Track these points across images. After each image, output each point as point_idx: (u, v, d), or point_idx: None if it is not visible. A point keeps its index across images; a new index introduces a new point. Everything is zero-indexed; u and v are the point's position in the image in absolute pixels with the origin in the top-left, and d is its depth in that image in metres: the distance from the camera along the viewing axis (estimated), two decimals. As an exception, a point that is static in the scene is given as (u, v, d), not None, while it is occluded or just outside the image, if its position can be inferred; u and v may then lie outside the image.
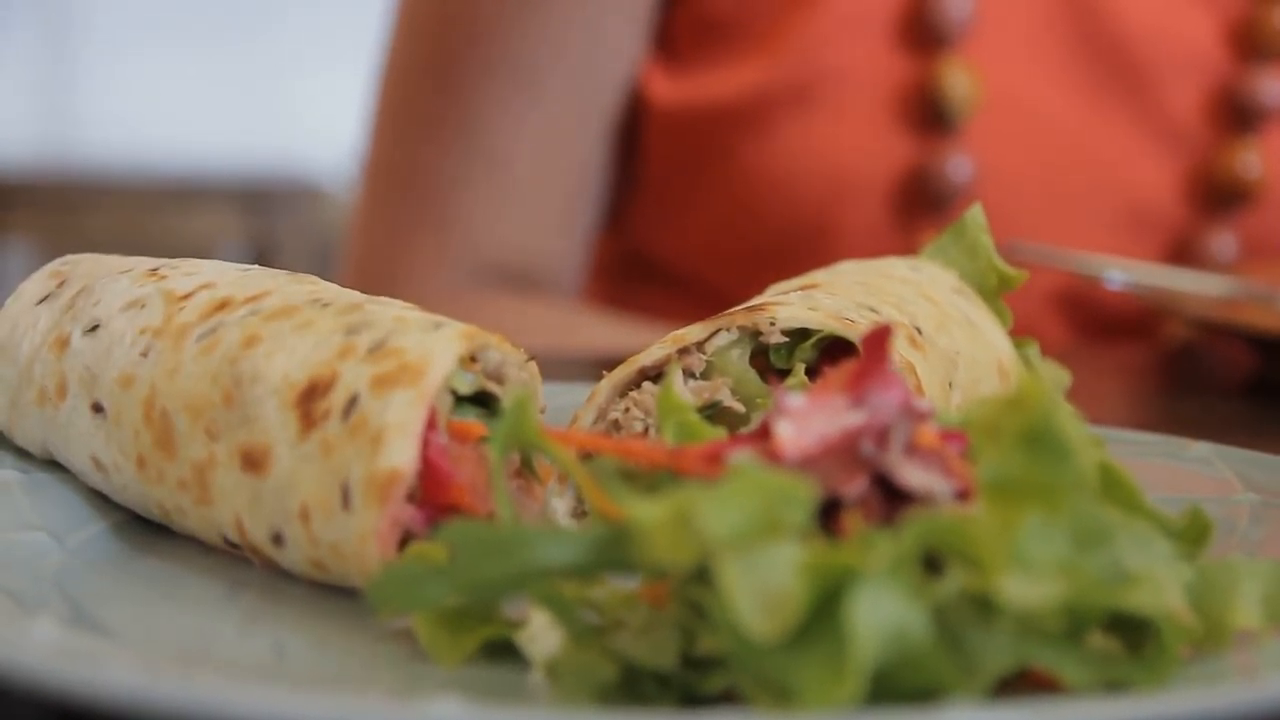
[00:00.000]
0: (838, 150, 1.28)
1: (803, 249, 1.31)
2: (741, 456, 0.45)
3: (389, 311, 0.55)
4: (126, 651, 0.48)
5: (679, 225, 1.35)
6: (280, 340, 0.55)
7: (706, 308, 1.34)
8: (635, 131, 1.36)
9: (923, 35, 1.28)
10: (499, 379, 0.55)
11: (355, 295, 0.58)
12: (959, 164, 1.28)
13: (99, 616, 0.52)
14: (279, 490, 0.53)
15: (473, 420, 0.55)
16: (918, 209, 1.29)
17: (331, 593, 0.55)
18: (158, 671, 0.45)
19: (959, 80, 1.27)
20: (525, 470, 0.58)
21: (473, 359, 0.55)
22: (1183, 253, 1.31)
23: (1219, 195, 1.31)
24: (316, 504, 0.52)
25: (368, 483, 0.51)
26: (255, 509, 0.54)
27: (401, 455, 0.51)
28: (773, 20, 1.29)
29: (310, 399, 0.53)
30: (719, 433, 0.53)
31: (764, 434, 0.48)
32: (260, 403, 0.54)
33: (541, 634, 0.48)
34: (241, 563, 0.57)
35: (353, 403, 0.52)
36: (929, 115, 1.28)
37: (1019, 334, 0.80)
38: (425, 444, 0.52)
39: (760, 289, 1.35)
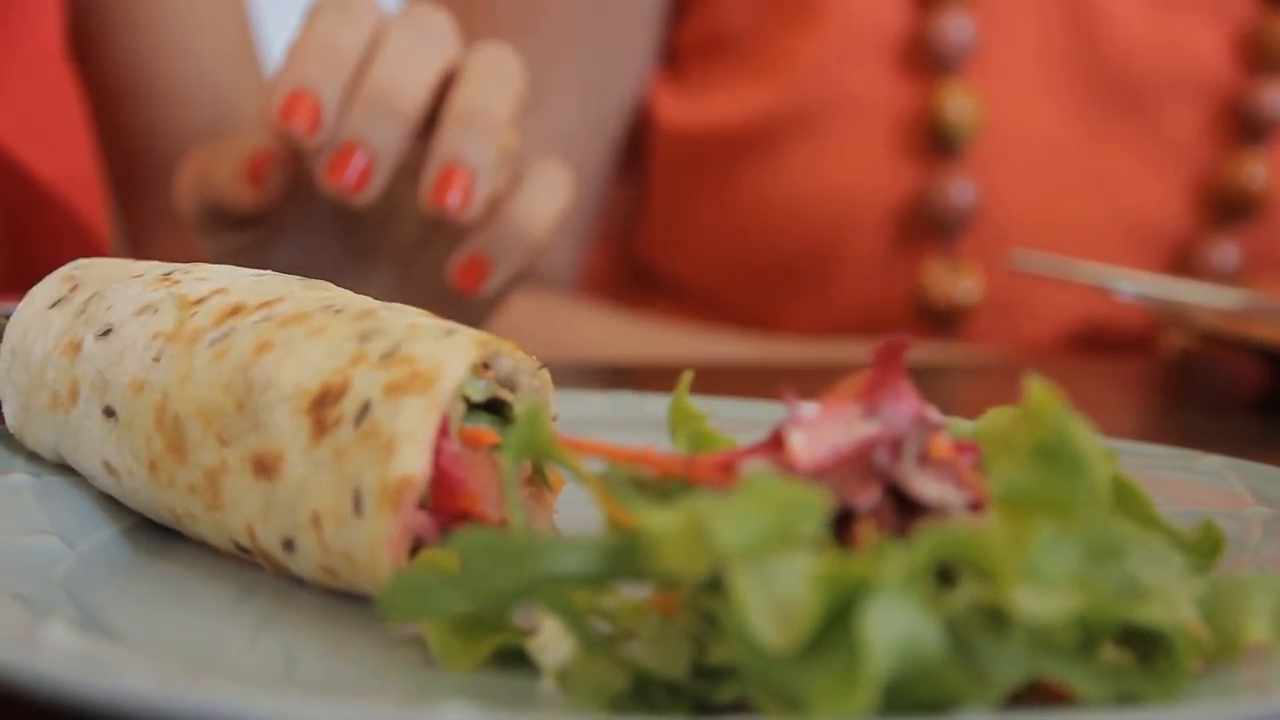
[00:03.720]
0: (841, 175, 1.29)
1: (807, 271, 1.31)
2: (755, 466, 0.45)
3: (402, 319, 0.55)
4: (136, 657, 0.48)
5: (685, 242, 1.35)
6: (292, 346, 0.55)
7: (712, 320, 1.35)
8: (642, 147, 1.36)
9: (925, 60, 1.28)
10: (511, 386, 0.55)
11: (368, 302, 0.58)
12: (962, 189, 1.28)
13: (109, 621, 0.52)
14: (290, 497, 0.53)
15: (484, 428, 0.55)
16: (921, 234, 1.29)
17: (343, 599, 0.55)
18: (168, 677, 0.44)
19: (962, 105, 1.27)
20: (537, 478, 0.58)
21: (485, 366, 0.55)
22: (1186, 266, 1.31)
23: (1225, 207, 1.31)
24: (328, 511, 0.52)
25: (380, 490, 0.51)
26: (266, 515, 0.54)
27: (413, 462, 0.51)
28: (776, 43, 1.30)
29: (322, 406, 0.53)
30: (731, 442, 0.53)
31: (776, 444, 0.48)
32: (272, 409, 0.54)
33: (552, 642, 0.48)
34: (252, 569, 0.57)
35: (365, 410, 0.52)
36: (932, 140, 1.28)
37: (1029, 358, 0.78)
38: (437, 451, 0.52)
39: (769, 306, 1.35)
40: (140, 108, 1.19)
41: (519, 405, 0.55)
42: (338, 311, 0.56)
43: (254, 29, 1.24)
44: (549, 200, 0.89)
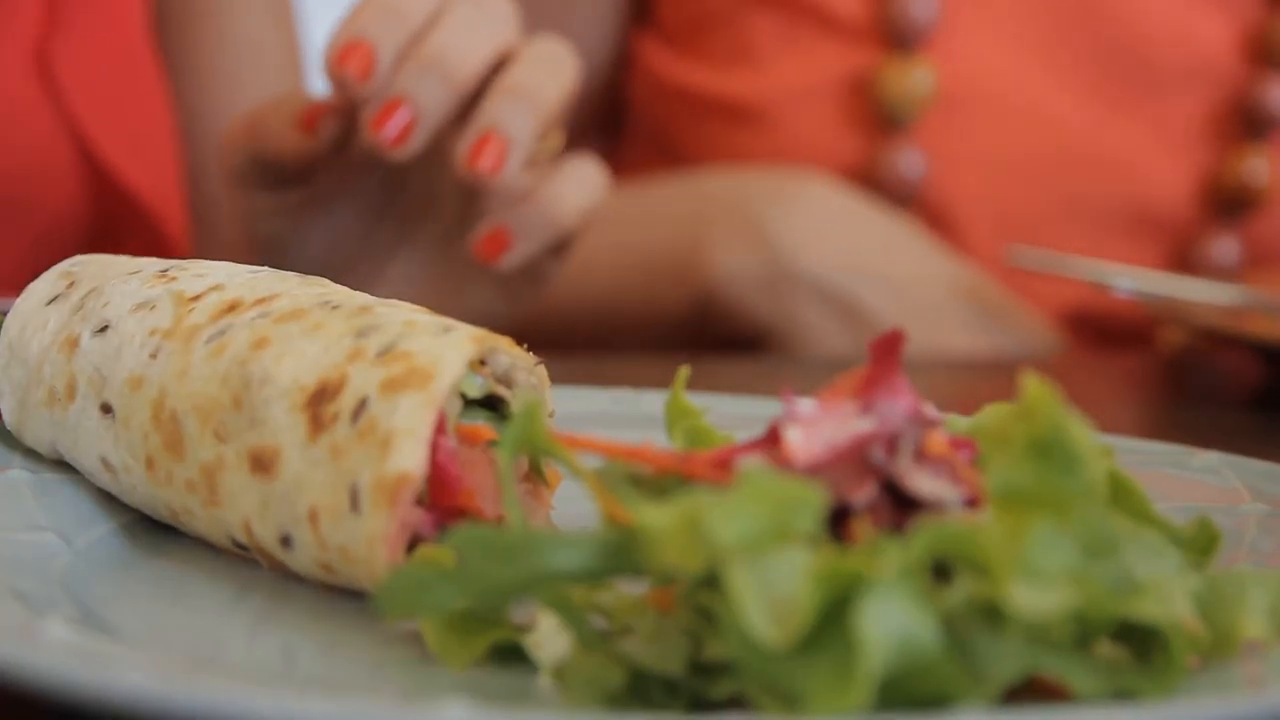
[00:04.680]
0: (793, 147, 1.29)
1: None
2: (751, 463, 0.45)
3: (398, 315, 0.55)
4: (135, 653, 0.48)
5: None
6: (290, 343, 0.55)
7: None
8: (624, 91, 1.37)
9: (890, 34, 1.28)
10: (508, 383, 0.55)
11: (364, 298, 0.58)
12: (910, 161, 1.27)
13: (107, 618, 0.52)
14: (288, 493, 0.53)
15: (481, 424, 0.55)
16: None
17: (340, 596, 0.55)
18: (166, 674, 0.45)
19: (915, 78, 1.27)
20: (533, 474, 0.58)
21: (482, 362, 0.55)
22: (1185, 258, 1.31)
23: (1225, 201, 1.31)
24: (325, 507, 0.52)
25: (376, 486, 0.51)
26: (264, 511, 0.54)
27: (410, 459, 0.51)
28: (745, 24, 1.30)
29: (319, 402, 0.53)
30: (727, 438, 0.53)
31: (773, 440, 0.48)
32: (269, 405, 0.54)
33: (549, 638, 0.48)
34: (250, 565, 0.57)
35: (362, 406, 0.52)
36: (880, 114, 1.28)
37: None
38: (434, 448, 0.52)
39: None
40: (188, 97, 1.20)
41: (516, 402, 0.55)
42: (334, 308, 0.56)
43: (297, 28, 1.25)
44: (580, 192, 0.92)
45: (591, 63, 1.35)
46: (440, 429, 0.53)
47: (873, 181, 1.27)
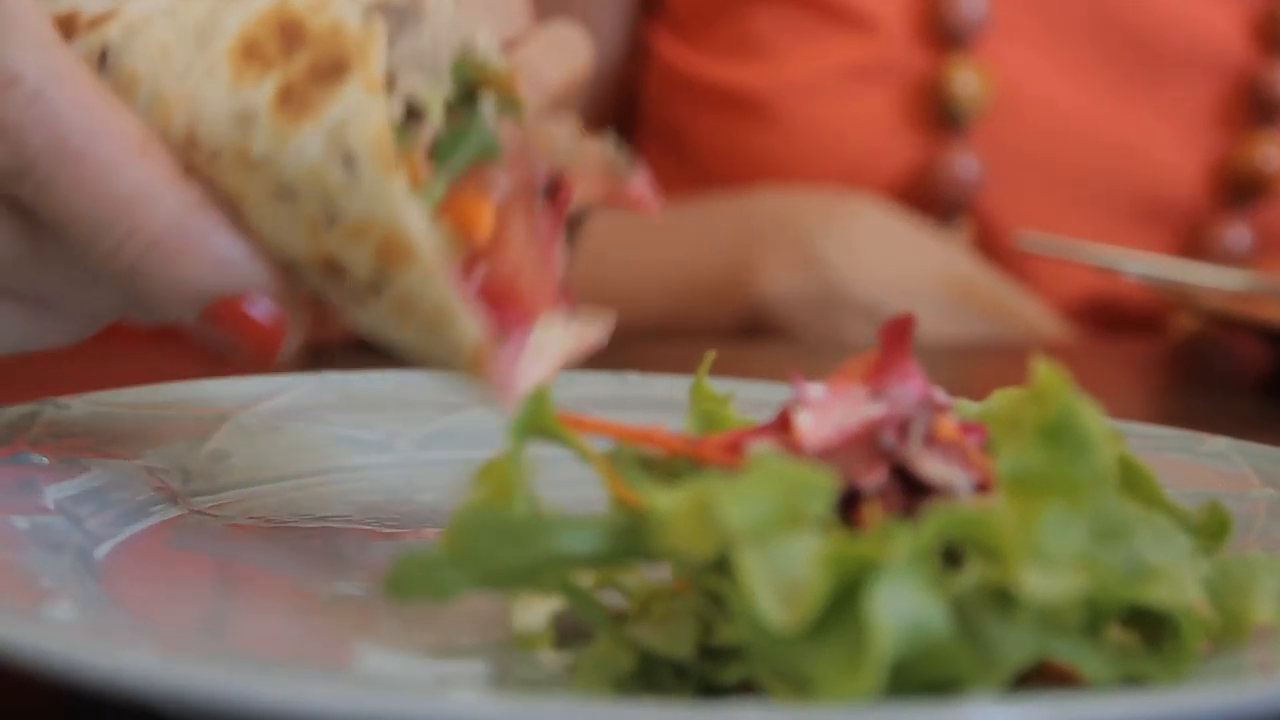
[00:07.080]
0: (851, 142, 1.29)
1: None
2: (761, 447, 0.45)
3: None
4: (144, 636, 0.48)
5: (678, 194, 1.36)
6: None
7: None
8: (639, 87, 1.37)
9: (935, 34, 1.28)
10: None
11: None
12: (966, 164, 1.28)
13: (117, 600, 0.52)
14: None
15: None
16: (926, 206, 1.29)
17: (350, 585, 0.55)
18: (175, 656, 0.45)
19: (969, 79, 1.27)
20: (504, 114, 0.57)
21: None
22: (1197, 245, 1.31)
23: (1236, 187, 1.31)
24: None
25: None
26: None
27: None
28: (743, 14, 1.30)
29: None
30: (743, 422, 0.53)
31: (783, 424, 0.48)
32: None
33: (531, 606, 0.48)
34: (261, 548, 0.57)
35: None
36: (939, 114, 1.28)
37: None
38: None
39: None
40: None
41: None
42: None
43: None
44: (559, 57, 0.90)
45: (605, 55, 1.35)
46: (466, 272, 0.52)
47: (920, 182, 1.27)
